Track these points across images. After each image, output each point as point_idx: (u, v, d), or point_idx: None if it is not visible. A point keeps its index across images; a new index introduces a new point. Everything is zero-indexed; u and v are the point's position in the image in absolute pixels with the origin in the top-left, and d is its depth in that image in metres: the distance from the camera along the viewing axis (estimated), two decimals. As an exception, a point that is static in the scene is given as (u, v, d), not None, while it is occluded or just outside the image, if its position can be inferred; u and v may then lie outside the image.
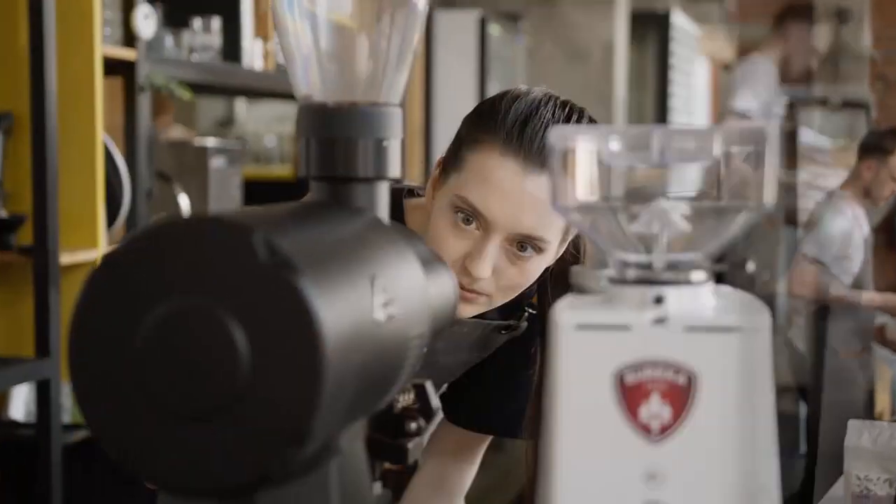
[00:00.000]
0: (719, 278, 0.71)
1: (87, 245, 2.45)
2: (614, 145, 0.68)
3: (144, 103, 2.66)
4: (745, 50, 9.85)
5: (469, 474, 1.49)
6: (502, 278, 1.26)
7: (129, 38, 2.63)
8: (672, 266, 0.68)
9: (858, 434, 1.96)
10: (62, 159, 2.38)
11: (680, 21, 7.56)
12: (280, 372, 0.58)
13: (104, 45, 2.53)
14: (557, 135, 0.68)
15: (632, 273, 0.68)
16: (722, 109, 4.63)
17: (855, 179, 4.40)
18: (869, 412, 4.42)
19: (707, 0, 9.46)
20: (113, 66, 2.61)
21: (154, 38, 2.75)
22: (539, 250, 1.25)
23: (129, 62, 2.64)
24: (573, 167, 0.68)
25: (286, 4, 0.78)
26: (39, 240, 2.29)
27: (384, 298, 0.67)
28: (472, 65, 4.84)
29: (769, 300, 4.57)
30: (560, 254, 1.33)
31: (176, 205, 2.89)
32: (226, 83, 3.20)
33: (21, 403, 2.61)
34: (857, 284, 4.36)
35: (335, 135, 0.76)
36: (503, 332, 1.40)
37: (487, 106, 1.28)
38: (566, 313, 0.67)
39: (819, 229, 4.21)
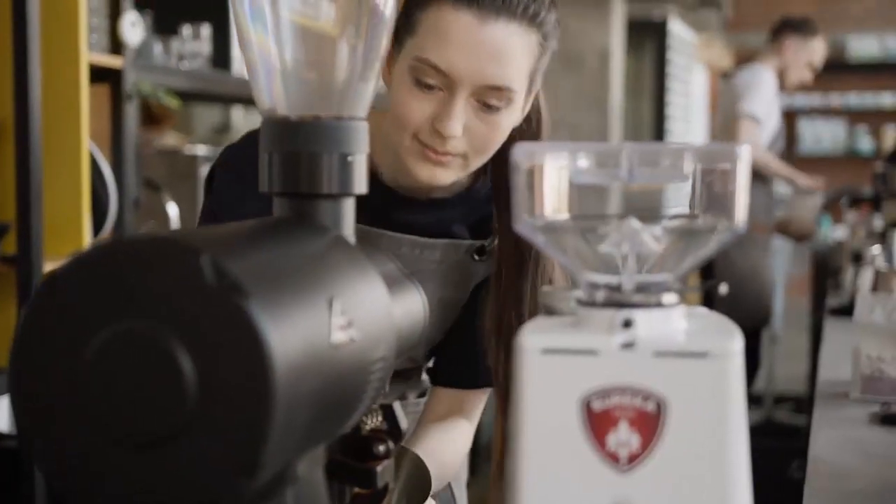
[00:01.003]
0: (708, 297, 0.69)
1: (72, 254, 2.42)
2: (582, 163, 0.66)
3: (131, 111, 2.64)
4: (742, 58, 9.87)
5: (465, 438, 1.42)
6: (474, 137, 1.23)
7: (117, 46, 2.61)
8: (642, 288, 0.66)
9: (869, 308, 1.83)
10: (47, 167, 2.35)
11: (677, 29, 7.54)
12: (228, 399, 0.56)
13: (91, 53, 2.50)
14: (523, 151, 0.66)
15: (600, 295, 0.66)
16: (726, 114, 4.63)
17: (773, 56, 4.64)
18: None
19: (705, 8, 9.46)
20: (100, 74, 2.58)
21: (143, 46, 2.73)
22: (507, 101, 1.22)
23: (116, 70, 2.61)
24: (540, 185, 0.66)
25: (249, 16, 0.76)
26: (23, 249, 2.26)
27: (343, 321, 0.65)
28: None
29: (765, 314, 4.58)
30: (526, 111, 1.30)
31: (164, 213, 2.87)
32: (215, 91, 3.18)
33: (5, 414, 2.59)
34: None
35: (299, 149, 0.74)
36: (476, 256, 1.37)
37: None
38: (531, 337, 0.64)
39: (753, 89, 4.41)
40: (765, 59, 4.69)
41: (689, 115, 8.27)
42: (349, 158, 0.75)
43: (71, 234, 2.43)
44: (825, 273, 4.67)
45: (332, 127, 0.74)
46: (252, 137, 1.34)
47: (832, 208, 9.78)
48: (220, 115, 5.44)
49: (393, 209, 1.35)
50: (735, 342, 0.63)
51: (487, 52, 1.20)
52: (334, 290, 0.65)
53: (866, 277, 2.86)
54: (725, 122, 4.61)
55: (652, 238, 0.66)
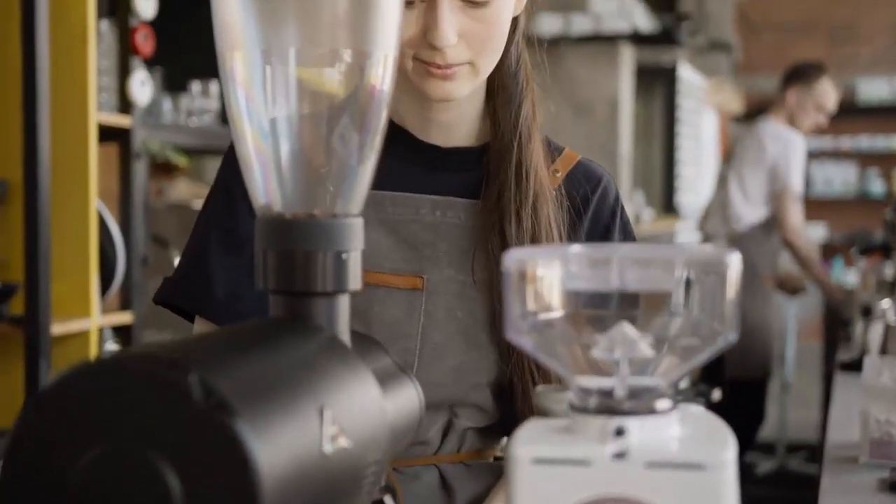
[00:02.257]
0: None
1: (80, 314, 2.43)
2: (573, 268, 0.66)
3: (140, 169, 2.65)
4: (752, 101, 9.90)
5: None
6: (472, 38, 1.18)
7: (126, 105, 2.63)
8: (635, 394, 0.66)
9: (877, 371, 1.79)
10: (56, 227, 2.37)
11: (686, 74, 7.56)
12: (215, 520, 0.56)
13: (100, 113, 2.52)
14: (513, 258, 0.66)
15: (592, 401, 0.66)
16: (769, 186, 4.58)
17: (780, 107, 4.68)
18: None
19: (715, 52, 9.50)
20: (109, 133, 2.60)
21: (152, 102, 2.74)
22: None
23: (124, 129, 2.63)
24: (530, 290, 0.66)
25: (244, 111, 0.76)
26: (31, 310, 2.26)
27: (334, 429, 0.64)
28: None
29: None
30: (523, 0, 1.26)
31: (172, 269, 2.87)
32: (224, 147, 3.18)
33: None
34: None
35: (293, 247, 0.74)
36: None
37: None
38: (523, 447, 0.64)
39: (792, 161, 4.41)
40: (776, 109, 4.71)
41: (700, 160, 8.27)
42: (343, 256, 0.75)
43: (79, 294, 2.43)
44: (836, 322, 4.65)
45: (326, 225, 0.74)
46: None
47: (843, 252, 9.78)
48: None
49: (420, 164, 1.29)
50: (729, 451, 0.63)
51: None
52: (326, 397, 0.65)
53: (876, 332, 2.85)
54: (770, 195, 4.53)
55: (645, 344, 0.65)
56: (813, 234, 10.03)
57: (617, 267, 0.65)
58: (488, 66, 1.21)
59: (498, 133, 1.28)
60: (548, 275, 0.66)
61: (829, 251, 9.94)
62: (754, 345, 4.38)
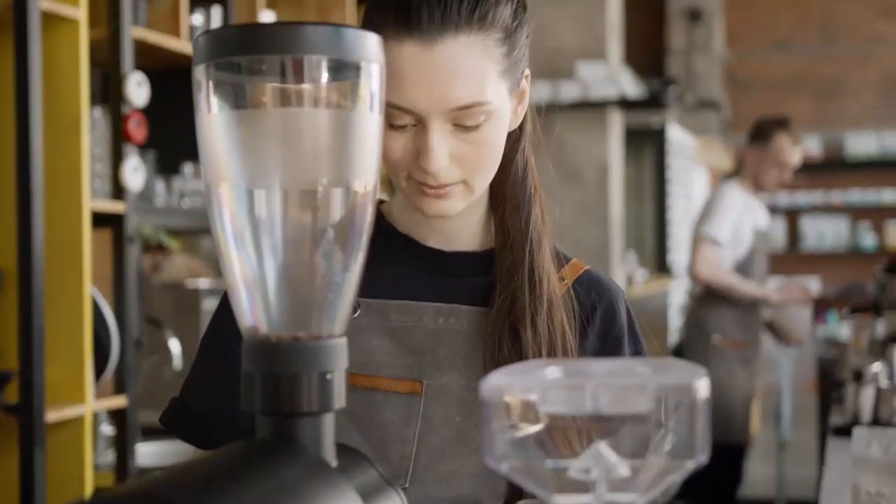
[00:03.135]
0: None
1: (75, 400, 2.44)
2: (549, 395, 0.68)
3: (133, 253, 2.68)
4: (742, 158, 10.00)
5: None
6: (464, 160, 1.17)
7: (119, 191, 2.66)
8: (611, 513, 0.68)
9: (866, 443, 1.77)
10: (50, 315, 2.39)
11: (675, 134, 7.64)
12: None
13: (93, 200, 2.55)
14: (490, 386, 0.68)
15: (570, 522, 0.68)
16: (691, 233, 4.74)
17: (743, 169, 4.74)
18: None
19: (704, 110, 9.60)
20: (103, 218, 2.63)
21: (145, 186, 2.78)
22: (485, 114, 1.15)
23: (118, 214, 2.67)
24: (508, 414, 0.68)
25: (231, 239, 0.78)
26: (26, 398, 2.28)
27: (319, 556, 0.66)
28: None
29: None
30: (524, 108, 1.25)
31: (167, 350, 2.89)
32: (216, 227, 3.21)
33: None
34: (742, 271, 4.59)
35: (279, 370, 0.76)
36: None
37: (367, 5, 1.21)
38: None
39: (714, 210, 4.48)
40: (741, 170, 4.81)
41: (691, 218, 8.32)
42: (328, 376, 0.77)
43: (73, 380, 2.45)
44: (830, 381, 4.66)
45: (311, 347, 0.77)
46: None
47: (838, 305, 9.81)
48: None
49: (424, 270, 1.29)
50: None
51: (441, 76, 1.13)
52: (311, 524, 0.67)
53: (867, 397, 2.87)
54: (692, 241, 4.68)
55: (622, 463, 0.67)
56: (806, 288, 10.08)
57: (591, 391, 0.67)
58: (482, 183, 1.21)
59: (508, 240, 1.27)
60: (524, 399, 0.68)
61: (822, 305, 9.98)
62: (724, 410, 4.38)
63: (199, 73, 0.77)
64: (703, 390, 0.66)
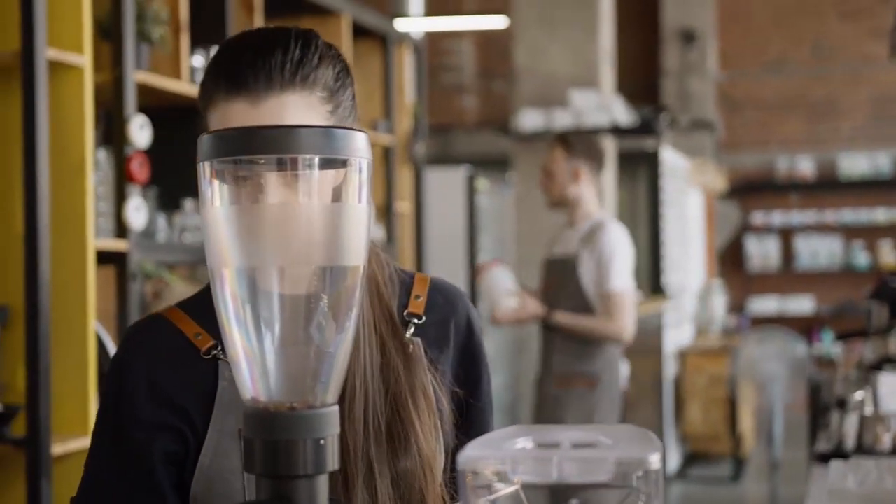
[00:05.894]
0: None
1: (80, 433, 2.52)
2: (519, 465, 0.76)
3: (135, 290, 2.76)
4: (736, 178, 10.09)
5: None
6: None
7: (122, 229, 2.75)
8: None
9: (842, 476, 1.82)
10: (55, 350, 2.47)
11: (669, 157, 7.72)
12: None
13: (97, 238, 2.64)
14: (467, 458, 0.77)
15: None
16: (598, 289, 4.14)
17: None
18: None
19: (698, 131, 9.69)
20: (106, 256, 2.71)
21: (148, 223, 2.87)
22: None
23: (121, 252, 2.75)
24: (482, 485, 0.77)
25: (233, 319, 0.87)
26: (32, 432, 2.36)
27: None
28: (462, 218, 4.98)
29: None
30: None
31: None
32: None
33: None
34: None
35: (277, 437, 0.85)
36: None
37: (203, 74, 1.28)
38: None
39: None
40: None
41: (686, 240, 8.40)
42: (321, 441, 0.86)
43: (78, 414, 2.53)
44: (818, 404, 4.72)
45: (306, 416, 0.85)
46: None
47: (832, 323, 9.88)
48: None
49: None
50: None
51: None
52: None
53: (851, 424, 2.93)
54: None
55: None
56: (799, 306, 10.17)
57: (556, 465, 0.75)
58: None
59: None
60: (496, 473, 0.76)
61: (816, 323, 10.07)
62: None
63: (205, 169, 0.86)
64: (655, 463, 0.75)
